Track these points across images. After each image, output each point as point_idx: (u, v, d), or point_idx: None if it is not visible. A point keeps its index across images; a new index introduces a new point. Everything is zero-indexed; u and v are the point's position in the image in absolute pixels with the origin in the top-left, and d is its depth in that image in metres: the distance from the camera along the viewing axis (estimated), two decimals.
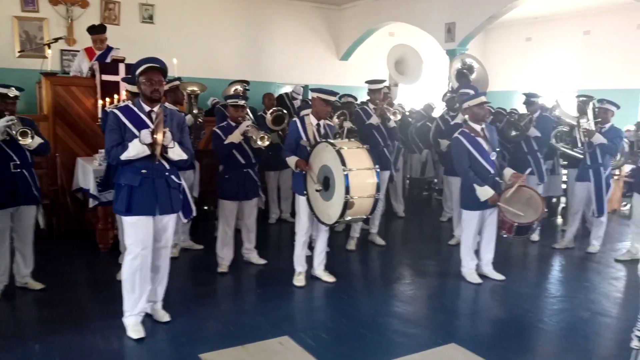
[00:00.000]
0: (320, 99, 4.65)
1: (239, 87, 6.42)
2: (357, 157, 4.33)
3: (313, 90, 4.80)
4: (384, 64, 7.37)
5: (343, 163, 4.16)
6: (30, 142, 4.12)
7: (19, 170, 4.22)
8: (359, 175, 4.23)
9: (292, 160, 4.63)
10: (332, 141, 4.42)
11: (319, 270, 4.90)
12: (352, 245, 6.00)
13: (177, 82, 5.38)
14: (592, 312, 4.35)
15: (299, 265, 4.84)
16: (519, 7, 8.72)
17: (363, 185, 4.27)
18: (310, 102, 6.55)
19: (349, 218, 4.35)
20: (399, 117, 5.75)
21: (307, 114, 4.80)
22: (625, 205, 8.52)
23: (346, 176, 4.14)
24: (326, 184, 4.38)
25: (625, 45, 10.59)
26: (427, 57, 7.50)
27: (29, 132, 4.10)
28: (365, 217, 4.56)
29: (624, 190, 8.52)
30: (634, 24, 10.36)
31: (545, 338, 3.92)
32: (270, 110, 6.82)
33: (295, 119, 4.85)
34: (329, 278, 4.85)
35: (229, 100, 5.10)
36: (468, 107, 4.88)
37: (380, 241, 6.20)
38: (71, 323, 3.81)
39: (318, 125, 4.74)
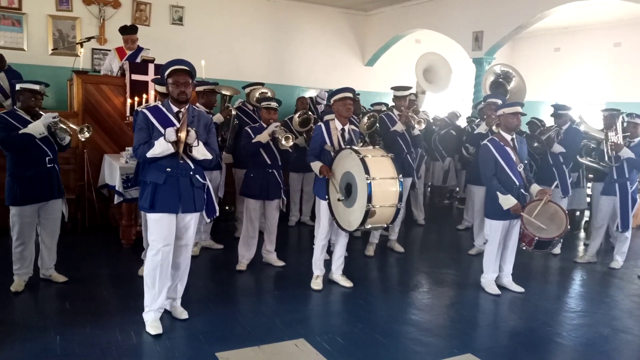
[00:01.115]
0: (337, 100, 4.68)
1: (268, 92, 6.49)
2: (381, 165, 4.31)
3: (329, 96, 4.84)
4: (410, 71, 7.38)
5: (367, 171, 4.15)
6: (69, 138, 4.39)
7: (52, 165, 4.36)
8: (381, 184, 4.21)
9: (316, 165, 4.66)
10: (356, 148, 4.41)
11: (337, 275, 4.92)
12: (370, 251, 6.00)
13: (212, 86, 5.48)
14: (613, 328, 4.27)
15: (317, 269, 4.86)
16: (548, 17, 8.63)
17: (385, 194, 4.26)
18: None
19: (369, 226, 4.35)
20: (423, 126, 5.73)
21: (332, 119, 4.82)
22: None
23: (369, 185, 4.13)
24: (348, 190, 4.39)
25: None
26: (453, 65, 7.46)
27: (85, 128, 4.33)
28: (385, 225, 4.55)
29: None
30: None
31: (563, 353, 3.87)
32: (298, 114, 6.88)
33: (320, 123, 4.88)
34: (347, 283, 4.87)
35: (263, 103, 5.20)
36: (502, 114, 4.84)
37: (399, 248, 6.19)
38: (92, 316, 3.89)
39: (343, 130, 4.75)
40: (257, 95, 6.34)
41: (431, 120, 8.82)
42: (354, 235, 5.96)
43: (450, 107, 10.17)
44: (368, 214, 4.19)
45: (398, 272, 5.70)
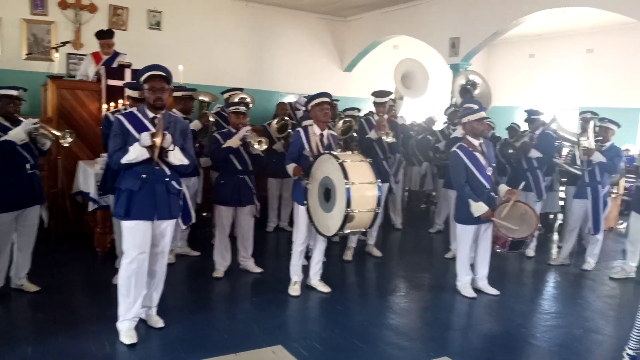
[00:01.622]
0: (315, 105, 4.70)
1: (247, 97, 6.48)
2: (360, 170, 4.34)
3: (307, 101, 4.85)
4: (388, 76, 7.41)
5: (345, 176, 4.17)
6: (49, 144, 4.34)
7: (33, 171, 4.30)
8: (360, 189, 4.24)
9: (290, 167, 4.68)
10: (335, 153, 4.42)
11: (315, 280, 4.93)
12: (348, 255, 6.03)
13: (189, 92, 5.45)
14: (585, 329, 4.36)
15: (295, 275, 4.86)
16: (523, 24, 8.78)
17: (364, 199, 4.28)
18: None
19: (348, 231, 4.38)
20: (390, 139, 5.71)
21: (311, 124, 4.84)
22: (621, 223, 8.54)
23: (348, 189, 4.15)
24: (327, 195, 4.40)
25: (627, 64, 10.65)
26: (430, 71, 7.53)
27: (67, 134, 4.30)
28: (364, 230, 4.57)
29: (622, 209, 8.54)
30: (636, 44, 10.43)
31: (537, 354, 3.93)
32: (276, 120, 6.88)
33: (299, 129, 4.88)
34: (325, 288, 4.87)
35: (231, 108, 5.16)
36: (467, 122, 4.91)
37: (377, 252, 6.22)
38: (65, 326, 3.83)
39: (321, 135, 4.77)
40: (235, 100, 6.33)
41: (408, 125, 8.91)
42: (332, 240, 5.98)
43: (427, 113, 10.28)
44: (347, 218, 4.20)
45: (376, 277, 5.73)
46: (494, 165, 4.97)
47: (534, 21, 9.13)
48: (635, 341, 2.90)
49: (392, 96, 6.26)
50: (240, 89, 6.93)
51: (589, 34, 11.29)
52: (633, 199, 5.95)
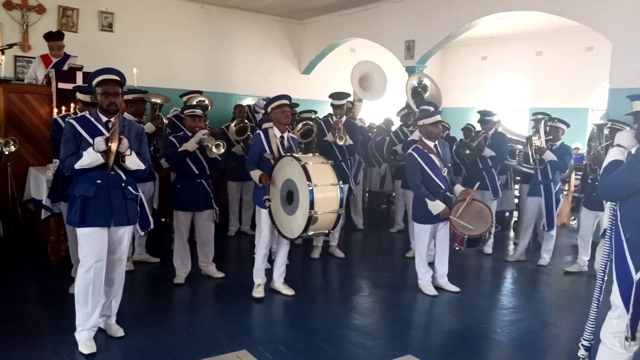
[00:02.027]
0: (275, 107, 4.69)
1: (205, 100, 6.39)
2: (322, 172, 4.35)
3: (267, 104, 4.83)
4: (346, 79, 7.47)
5: (308, 178, 4.17)
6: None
7: None
8: (323, 191, 4.26)
9: (255, 174, 4.63)
10: (297, 155, 4.42)
11: (279, 284, 4.90)
12: (316, 254, 6.08)
13: (141, 95, 5.32)
14: (543, 323, 4.50)
15: (259, 277, 4.82)
16: (475, 27, 9.01)
17: (327, 201, 4.30)
18: None
19: (311, 233, 4.38)
20: (342, 142, 5.74)
21: (271, 127, 4.81)
22: (573, 219, 8.87)
23: (311, 191, 4.15)
24: (290, 197, 4.39)
25: (574, 66, 11.08)
26: (387, 73, 7.63)
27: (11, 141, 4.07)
28: (327, 231, 4.59)
29: (573, 205, 8.87)
30: (582, 46, 10.86)
31: (497, 349, 4.03)
32: (234, 122, 6.81)
33: (259, 131, 4.85)
34: (288, 291, 4.85)
35: (186, 111, 5.08)
36: (423, 125, 4.99)
37: (339, 254, 6.25)
38: (20, 338, 3.68)
39: (282, 137, 4.75)
40: (193, 103, 6.23)
41: (366, 127, 8.99)
42: (294, 243, 5.97)
43: (385, 114, 10.41)
44: (311, 220, 4.20)
45: (339, 278, 5.75)
46: (450, 165, 5.07)
47: (486, 25, 9.39)
48: (590, 332, 3.00)
49: (350, 98, 6.32)
50: (199, 92, 6.83)
51: (538, 37, 11.69)
52: (584, 196, 6.18)
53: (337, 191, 4.38)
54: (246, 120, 6.86)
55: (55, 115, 5.83)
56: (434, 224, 4.99)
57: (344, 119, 5.86)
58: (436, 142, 5.01)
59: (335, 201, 4.38)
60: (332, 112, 6.02)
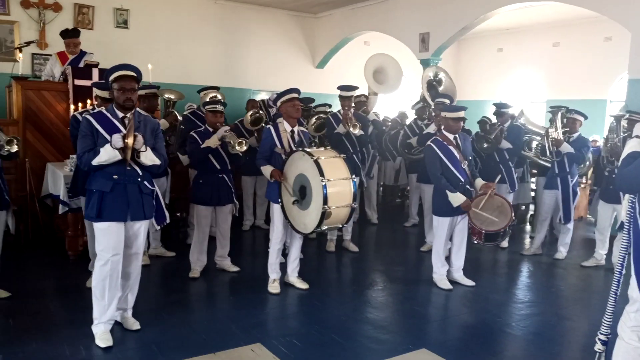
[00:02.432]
0: (285, 101, 4.67)
1: (218, 95, 6.41)
2: (335, 166, 4.33)
3: (276, 98, 4.82)
4: (360, 72, 7.42)
5: (321, 173, 4.15)
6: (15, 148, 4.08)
7: None
8: (336, 185, 4.24)
9: (266, 169, 4.63)
10: (309, 150, 4.41)
11: (293, 277, 4.91)
12: (331, 247, 6.11)
13: (154, 90, 5.35)
14: (559, 317, 4.45)
15: (274, 272, 4.83)
16: (491, 19, 8.90)
17: (340, 195, 4.28)
18: None
19: (325, 227, 4.35)
20: (357, 131, 5.72)
21: (281, 121, 4.81)
22: (590, 212, 8.74)
23: (324, 186, 4.13)
24: (302, 192, 4.38)
25: (592, 57, 10.90)
26: (401, 66, 7.58)
27: (14, 140, 4.06)
28: (340, 225, 4.58)
29: (590, 198, 8.74)
30: (600, 37, 10.67)
31: (513, 343, 4.00)
32: (250, 112, 6.82)
33: (269, 126, 4.84)
34: (302, 285, 4.86)
35: (207, 107, 5.10)
36: (444, 118, 4.95)
37: (353, 248, 6.24)
38: (38, 332, 3.74)
39: (292, 132, 4.74)
40: (207, 99, 6.26)
41: (381, 121, 8.95)
42: (308, 237, 5.99)
43: (399, 108, 10.36)
44: (324, 215, 4.19)
45: (353, 272, 5.75)
46: (470, 159, 5.03)
47: (502, 16, 9.27)
48: (607, 326, 2.96)
49: (361, 92, 6.29)
50: (217, 88, 6.86)
51: (554, 27, 11.51)
52: (600, 189, 6.09)
53: (350, 185, 4.36)
54: (261, 112, 6.86)
55: (72, 111, 5.92)
56: (453, 217, 4.95)
57: (352, 110, 5.84)
58: (456, 135, 4.96)
59: (349, 195, 4.36)
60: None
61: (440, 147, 4.88)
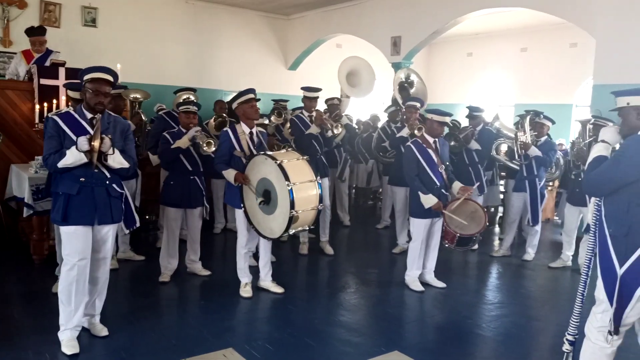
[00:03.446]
0: (243, 102, 4.54)
1: (191, 96, 6.33)
2: (299, 169, 4.26)
3: (232, 99, 4.69)
4: (332, 75, 7.43)
5: (286, 177, 4.08)
6: None
7: None
8: (302, 189, 4.18)
9: (229, 173, 4.48)
10: (270, 153, 4.31)
11: (267, 282, 4.86)
12: (304, 249, 6.08)
13: (120, 90, 5.24)
14: (528, 317, 4.53)
15: (245, 276, 4.77)
16: (461, 24, 9.04)
17: (307, 198, 4.24)
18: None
19: (292, 231, 4.31)
20: (339, 131, 5.74)
21: (239, 123, 4.69)
22: (557, 214, 8.94)
23: (290, 191, 4.07)
24: (267, 197, 4.28)
25: (558, 62, 11.17)
26: (373, 69, 7.62)
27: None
28: (308, 227, 4.53)
29: (557, 200, 8.95)
30: (566, 43, 10.94)
31: (483, 344, 4.05)
32: (214, 117, 6.75)
33: (226, 128, 4.69)
34: (277, 289, 4.82)
35: (180, 107, 5.02)
36: (430, 120, 4.98)
37: (329, 250, 6.22)
38: (2, 339, 3.61)
39: (251, 133, 4.63)
40: (180, 100, 6.17)
41: (354, 125, 8.99)
42: (279, 240, 5.95)
43: (371, 110, 10.41)
44: (292, 220, 4.15)
45: (326, 274, 5.74)
46: (448, 163, 5.08)
47: (472, 21, 9.42)
48: (574, 327, 3.03)
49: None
50: (193, 90, 6.77)
51: (523, 33, 11.76)
52: (567, 191, 6.23)
53: (315, 187, 4.31)
54: (225, 115, 6.79)
55: (37, 111, 5.76)
56: (430, 219, 4.98)
57: (325, 111, 5.83)
58: (436, 139, 5.01)
59: (315, 198, 4.31)
60: (300, 106, 5.99)
61: (419, 149, 4.92)
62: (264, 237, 4.50)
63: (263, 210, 4.36)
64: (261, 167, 4.33)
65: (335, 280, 5.45)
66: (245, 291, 4.71)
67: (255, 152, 4.49)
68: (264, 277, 4.87)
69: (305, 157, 4.43)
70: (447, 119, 4.98)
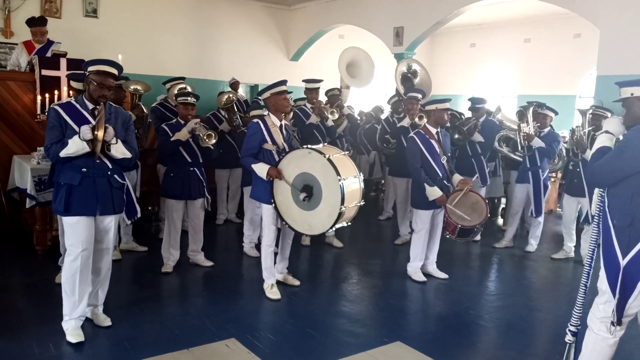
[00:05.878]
0: (276, 93, 4.38)
1: (188, 87, 6.30)
2: (345, 164, 4.18)
3: (263, 90, 4.55)
4: (334, 66, 7.41)
5: (337, 172, 3.97)
6: None
7: None
8: (350, 184, 4.10)
9: (261, 167, 4.27)
10: (315, 147, 4.15)
11: (284, 274, 4.81)
12: (306, 240, 6.09)
13: (121, 82, 5.21)
14: (530, 308, 4.53)
15: (271, 277, 4.55)
16: (464, 14, 8.99)
17: (353, 194, 4.16)
18: (260, 102, 6.50)
19: (336, 226, 4.23)
20: (336, 116, 5.74)
21: (267, 114, 4.55)
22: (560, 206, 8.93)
23: (341, 186, 3.98)
24: (307, 192, 4.15)
25: (562, 53, 11.11)
26: (375, 60, 7.59)
27: None
28: (347, 224, 4.41)
29: (560, 192, 8.93)
30: (570, 33, 10.88)
31: (485, 335, 4.06)
32: (224, 94, 6.74)
33: (257, 120, 4.47)
34: (294, 281, 4.80)
35: (179, 98, 4.98)
36: (435, 110, 4.94)
37: (338, 243, 6.19)
38: (4, 330, 3.63)
39: (281, 126, 4.47)
40: (175, 91, 6.13)
41: (356, 115, 8.97)
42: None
43: (374, 102, 10.38)
44: (340, 215, 4.05)
45: (328, 265, 5.74)
46: (449, 155, 5.07)
47: (474, 11, 9.38)
48: (577, 318, 3.02)
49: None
50: (182, 78, 6.72)
51: (526, 24, 11.69)
52: (565, 182, 6.22)
53: (359, 183, 4.25)
54: (233, 96, 6.75)
55: (40, 102, 5.74)
56: (433, 210, 4.96)
57: (324, 100, 5.81)
58: (438, 130, 4.98)
59: (358, 193, 4.25)
60: (302, 97, 5.96)
61: (422, 140, 4.90)
62: (300, 232, 4.38)
63: (301, 207, 4.20)
64: (302, 160, 4.16)
65: (337, 271, 5.46)
66: (273, 292, 4.47)
67: (286, 146, 4.37)
68: (281, 270, 4.80)
69: (347, 152, 4.38)
70: (448, 104, 4.96)
